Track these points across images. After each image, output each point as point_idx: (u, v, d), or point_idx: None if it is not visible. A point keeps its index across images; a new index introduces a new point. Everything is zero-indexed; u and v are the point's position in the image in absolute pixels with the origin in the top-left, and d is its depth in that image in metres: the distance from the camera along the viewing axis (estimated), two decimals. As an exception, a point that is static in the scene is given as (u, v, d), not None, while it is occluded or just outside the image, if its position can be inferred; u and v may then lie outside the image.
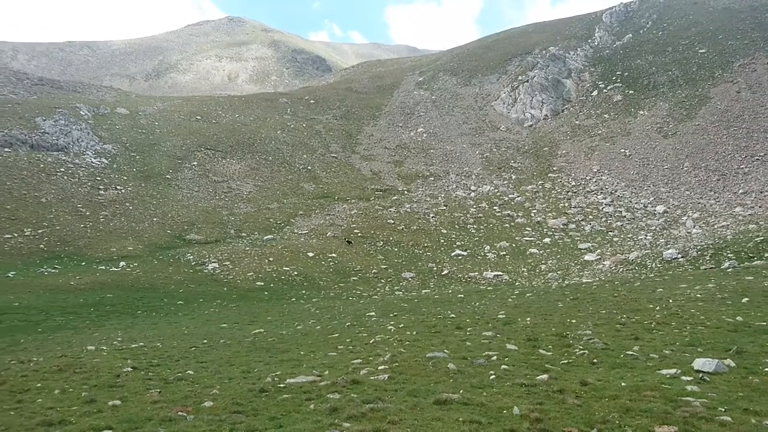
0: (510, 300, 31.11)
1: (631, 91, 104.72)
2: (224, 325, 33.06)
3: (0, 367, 17.60)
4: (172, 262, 60.67)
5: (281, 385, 13.64)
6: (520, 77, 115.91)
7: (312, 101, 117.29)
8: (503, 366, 14.28)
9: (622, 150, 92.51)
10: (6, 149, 71.90)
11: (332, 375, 14.49)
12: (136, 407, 12.48)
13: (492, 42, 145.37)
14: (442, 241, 72.55)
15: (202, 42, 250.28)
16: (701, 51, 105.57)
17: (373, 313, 32.52)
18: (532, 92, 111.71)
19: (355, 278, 60.57)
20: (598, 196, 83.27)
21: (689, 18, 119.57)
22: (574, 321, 20.61)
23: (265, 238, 70.82)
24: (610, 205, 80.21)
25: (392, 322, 25.37)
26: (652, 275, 41.62)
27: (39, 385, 15.07)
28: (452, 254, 68.44)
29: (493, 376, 13.31)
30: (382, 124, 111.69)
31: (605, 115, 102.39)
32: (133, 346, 22.28)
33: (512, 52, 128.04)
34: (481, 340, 18.31)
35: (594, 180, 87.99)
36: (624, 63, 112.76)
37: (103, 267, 57.09)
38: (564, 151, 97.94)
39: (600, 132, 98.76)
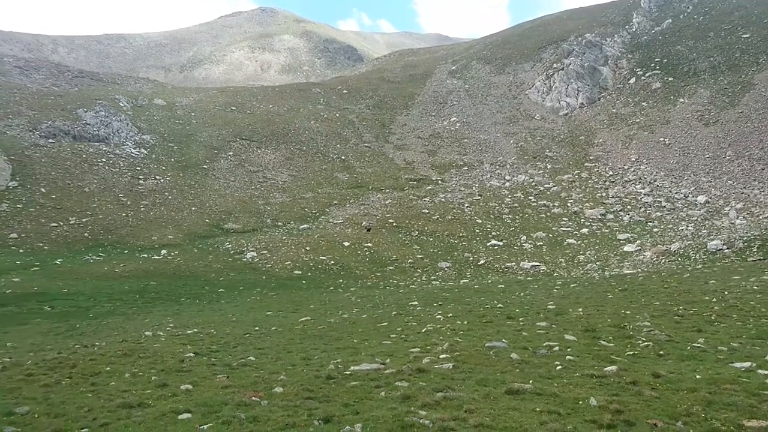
0: (555, 291, 30.87)
1: (670, 78, 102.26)
2: (269, 312, 33.50)
3: (67, 351, 18.15)
4: (211, 250, 61.66)
5: (347, 373, 13.80)
6: (555, 65, 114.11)
7: (344, 91, 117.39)
8: (568, 357, 14.21)
9: (662, 139, 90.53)
10: (50, 140, 73.65)
11: (395, 363, 14.59)
12: (209, 391, 12.76)
13: (526, 29, 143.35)
14: (477, 231, 72.16)
15: (234, 33, 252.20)
16: (745, 36, 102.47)
17: (416, 303, 32.60)
18: (568, 80, 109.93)
19: (391, 268, 60.71)
20: (637, 186, 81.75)
21: (732, 2, 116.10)
22: (628, 312, 20.37)
23: (301, 227, 71.42)
24: (649, 195, 78.72)
25: (439, 312, 25.40)
26: (700, 266, 40.83)
27: (108, 368, 15.51)
28: (488, 244, 68.03)
29: (559, 367, 13.26)
30: (414, 114, 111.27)
31: (643, 103, 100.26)
32: (189, 332, 22.76)
33: (547, 39, 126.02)
34: (537, 330, 18.23)
35: (632, 169, 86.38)
36: (663, 49, 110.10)
37: (146, 255, 58.26)
38: (601, 140, 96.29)
39: (638, 120, 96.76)
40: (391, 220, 73.76)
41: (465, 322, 21.37)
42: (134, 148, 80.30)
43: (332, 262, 60.64)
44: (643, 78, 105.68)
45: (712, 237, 59.47)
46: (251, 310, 35.18)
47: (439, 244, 68.25)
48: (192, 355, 17.17)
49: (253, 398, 11.89)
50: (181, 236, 65.20)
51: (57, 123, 75.89)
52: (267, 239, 65.73)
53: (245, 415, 10.56)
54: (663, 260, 54.29)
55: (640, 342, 15.34)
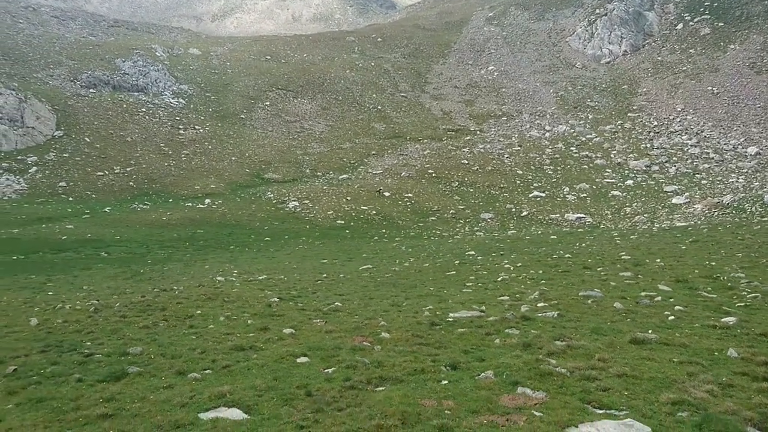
0: (618, 242, 30.30)
1: (720, 24, 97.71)
2: (324, 261, 33.60)
3: (150, 294, 18.36)
4: (253, 200, 62.00)
5: (449, 319, 13.65)
6: (597, 10, 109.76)
7: (379, 39, 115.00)
8: (677, 307, 13.84)
9: (710, 87, 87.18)
10: (91, 90, 73.90)
11: (492, 311, 14.40)
12: (314, 336, 12.73)
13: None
14: (518, 182, 71.16)
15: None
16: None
17: (472, 252, 32.36)
18: (611, 26, 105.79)
19: (433, 218, 60.43)
20: (683, 137, 79.34)
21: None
22: (713, 264, 19.83)
23: (341, 177, 71.21)
24: (696, 147, 76.43)
25: (505, 262, 25.12)
26: (757, 219, 39.66)
27: (199, 312, 15.62)
28: (530, 195, 67.14)
29: (672, 317, 12.91)
30: (451, 63, 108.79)
31: (691, 50, 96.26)
32: (260, 278, 22.89)
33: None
34: (625, 280, 17.85)
35: (678, 120, 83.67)
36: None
37: (190, 204, 58.83)
38: (645, 89, 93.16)
39: (685, 68, 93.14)
40: (430, 171, 73.08)
41: (540, 272, 21.05)
42: (172, 98, 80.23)
43: (374, 212, 60.54)
44: (691, 23, 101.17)
45: (766, 189, 57.74)
46: (305, 258, 35.32)
47: (479, 195, 67.57)
48: (277, 299, 17.19)
49: (364, 343, 11.81)
50: (223, 186, 65.55)
51: (97, 73, 75.98)
52: (308, 189, 65.76)
53: (368, 360, 10.45)
54: (716, 213, 52.97)
55: (745, 294, 14.88)
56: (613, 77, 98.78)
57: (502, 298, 16.25)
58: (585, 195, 66.45)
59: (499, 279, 20.18)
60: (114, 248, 41.10)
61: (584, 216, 59.99)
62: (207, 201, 59.63)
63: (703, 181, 66.32)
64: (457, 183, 70.43)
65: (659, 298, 14.90)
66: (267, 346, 12.03)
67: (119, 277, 26.54)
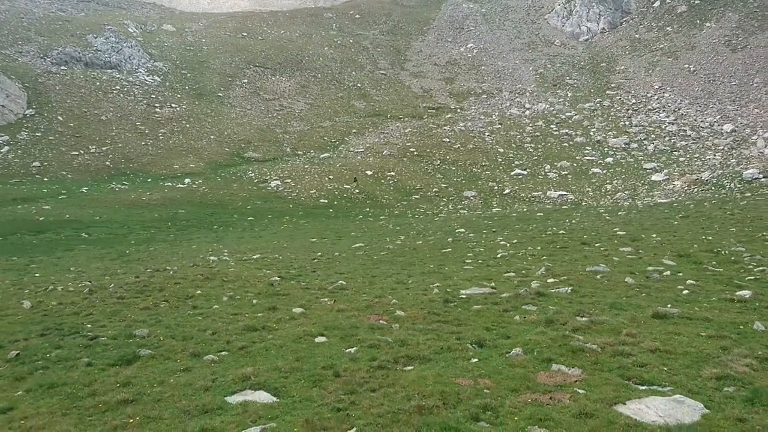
0: (608, 218, 30.39)
1: (697, 1, 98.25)
2: (313, 239, 33.14)
3: (144, 275, 17.78)
4: (234, 179, 60.99)
5: (462, 297, 13.42)
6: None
7: (357, 16, 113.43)
8: (688, 281, 13.78)
9: (686, 65, 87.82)
10: (62, 67, 71.57)
11: (503, 288, 14.19)
12: (326, 315, 12.38)
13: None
14: (499, 160, 71.18)
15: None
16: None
17: (462, 230, 32.19)
18: (589, 4, 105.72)
19: (416, 196, 60.19)
20: (661, 115, 79.94)
21: None
22: (710, 238, 19.91)
23: (322, 156, 70.44)
24: (673, 124, 77.11)
25: (500, 239, 24.97)
26: (749, 194, 40.14)
27: (199, 292, 15.15)
28: (512, 173, 67.24)
29: (686, 292, 12.84)
30: (430, 40, 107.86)
31: (668, 28, 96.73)
32: (255, 257, 22.40)
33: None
34: (627, 255, 17.80)
35: (656, 97, 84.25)
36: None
37: (170, 183, 57.65)
38: (623, 67, 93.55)
39: (662, 46, 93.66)
40: (412, 149, 72.66)
41: (539, 248, 20.93)
42: (147, 76, 78.21)
43: (357, 190, 60.05)
44: (668, 1, 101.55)
45: (743, 166, 58.61)
46: (293, 238, 34.81)
47: (462, 173, 67.45)
48: (278, 279, 16.78)
49: (381, 321, 11.51)
50: (203, 165, 64.37)
51: (68, 49, 73.56)
52: (289, 168, 64.92)
53: (391, 339, 10.15)
54: (695, 189, 53.63)
55: (752, 267, 14.90)
56: (591, 55, 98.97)
57: (507, 274, 16.06)
58: (566, 173, 66.76)
59: (498, 256, 20.00)
60: (94, 229, 40.07)
61: (566, 193, 60.29)
62: (187, 180, 58.52)
63: (681, 158, 67.06)
64: (439, 161, 70.18)
65: (668, 272, 14.85)
66: (280, 326, 11.65)
67: (105, 257, 25.79)
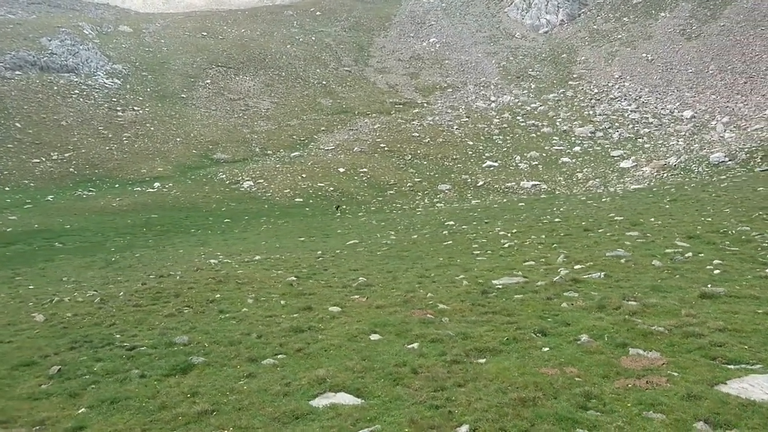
0: (595, 205, 30.78)
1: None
2: (302, 239, 32.65)
3: (151, 281, 17.09)
4: (205, 181, 59.78)
5: (498, 286, 13.28)
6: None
7: (318, 13, 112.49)
8: (715, 261, 13.95)
9: (644, 54, 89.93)
10: (16, 72, 68.79)
11: (533, 276, 14.12)
12: (366, 312, 12.06)
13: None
14: (470, 152, 71.60)
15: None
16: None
17: (452, 222, 32.18)
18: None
19: (391, 192, 60.09)
20: (623, 103, 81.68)
21: None
22: (710, 219, 20.30)
23: (292, 155, 69.62)
24: (635, 112, 78.85)
25: (498, 229, 25.00)
26: (724, 177, 41.22)
27: (218, 296, 14.62)
28: (483, 165, 67.72)
29: (717, 272, 13.00)
30: (392, 35, 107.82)
31: (624, 19, 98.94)
32: (257, 258, 21.82)
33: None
34: (637, 239, 17.99)
35: (617, 86, 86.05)
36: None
37: (139, 188, 56.10)
38: (583, 58, 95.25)
39: (620, 36, 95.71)
40: (382, 145, 72.49)
41: (543, 236, 21.01)
42: (107, 79, 75.88)
43: (331, 188, 59.62)
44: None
45: (706, 150, 60.32)
46: (279, 238, 34.23)
47: (434, 167, 67.60)
48: (294, 278, 16.34)
49: (428, 316, 11.27)
50: (171, 168, 62.86)
51: (21, 53, 70.74)
52: (261, 168, 63.98)
53: (452, 332, 9.92)
54: (665, 174, 54.93)
55: (767, 245, 15.18)
56: (552, 46, 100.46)
57: (527, 263, 16.02)
58: (536, 163, 67.60)
59: (505, 246, 19.98)
60: (67, 238, 38.64)
61: (539, 183, 61.05)
62: (156, 185, 57.02)
63: (646, 145, 68.63)
64: (410, 156, 70.20)
65: (689, 254, 15.04)
66: (325, 325, 11.29)
67: (93, 266, 24.79)
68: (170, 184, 57.32)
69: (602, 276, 13.15)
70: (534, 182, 61.05)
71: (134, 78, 79.35)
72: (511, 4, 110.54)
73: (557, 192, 57.16)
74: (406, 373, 8.27)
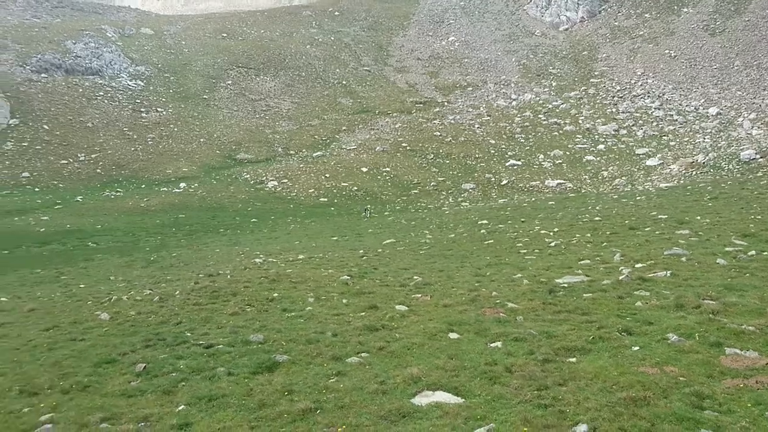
0: (631, 203, 30.49)
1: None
2: (334, 238, 32.68)
3: (202, 280, 17.15)
4: (230, 181, 60.06)
5: (563, 285, 13.18)
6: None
7: (336, 13, 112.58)
8: (783, 258, 13.77)
9: (667, 51, 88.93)
10: (42, 75, 69.57)
11: (595, 275, 13.99)
12: (436, 311, 12.02)
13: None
14: (492, 151, 71.23)
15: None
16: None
17: (485, 221, 32.03)
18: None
19: (415, 191, 59.98)
20: (646, 100, 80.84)
21: None
22: (759, 217, 20.02)
23: (315, 154, 69.72)
24: (659, 109, 77.98)
25: (537, 228, 24.85)
26: (763, 174, 40.66)
27: (276, 294, 14.64)
28: (506, 164, 67.33)
29: (788, 267, 12.80)
30: (411, 34, 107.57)
31: (646, 15, 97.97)
32: (301, 257, 21.87)
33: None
34: (690, 238, 17.78)
35: (639, 84, 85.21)
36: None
37: (165, 189, 56.50)
38: (604, 55, 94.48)
39: (642, 33, 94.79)
40: (404, 144, 72.37)
41: (587, 235, 20.83)
42: (130, 80, 76.53)
43: (355, 188, 59.65)
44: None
45: (735, 147, 59.58)
46: (312, 237, 34.29)
47: (456, 166, 67.35)
48: (348, 277, 16.33)
49: (500, 314, 11.19)
50: (196, 168, 63.23)
51: (47, 56, 71.54)
52: (284, 168, 64.18)
53: (535, 331, 9.85)
54: (693, 172, 54.32)
55: (832, 242, 14.96)
56: (572, 44, 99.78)
57: (583, 262, 15.88)
58: (560, 161, 67.13)
59: (552, 245, 19.83)
60: (99, 238, 39.03)
61: (564, 182, 60.59)
62: (182, 185, 57.38)
63: (672, 143, 67.84)
64: (432, 155, 69.99)
65: (752, 252, 14.82)
66: (397, 324, 11.25)
67: (134, 265, 24.99)
68: (196, 185, 57.67)
69: (668, 275, 12.99)
70: (559, 181, 60.61)
71: (157, 79, 79.94)
72: (531, 1, 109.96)
73: (583, 191, 56.73)
74: (501, 372, 8.20)
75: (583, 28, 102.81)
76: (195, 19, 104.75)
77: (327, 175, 62.15)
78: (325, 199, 56.33)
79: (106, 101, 70.99)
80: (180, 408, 7.89)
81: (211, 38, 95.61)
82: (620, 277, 13.08)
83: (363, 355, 9.52)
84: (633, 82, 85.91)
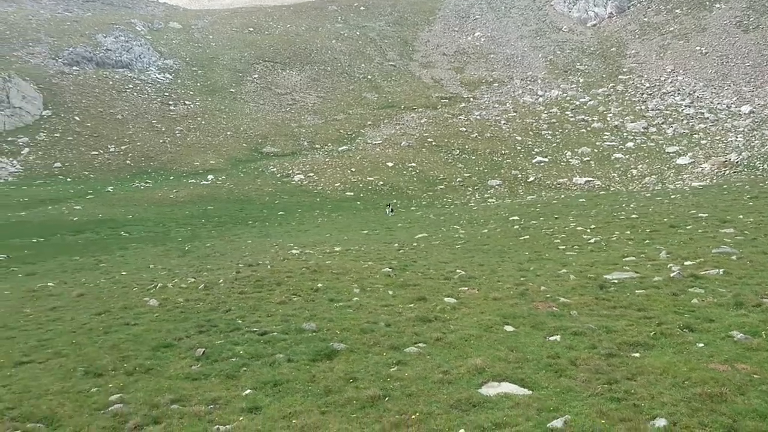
0: (666, 201, 30.06)
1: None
2: (365, 231, 32.74)
3: (243, 270, 17.27)
4: (257, 174, 60.44)
5: (613, 281, 13.03)
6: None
7: (362, 8, 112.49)
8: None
9: (698, 47, 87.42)
10: (74, 67, 70.61)
11: (644, 272, 13.81)
12: (486, 304, 11.95)
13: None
14: (518, 148, 70.69)
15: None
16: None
17: (516, 217, 31.82)
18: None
19: (441, 187, 59.80)
20: (676, 98, 79.54)
21: None
22: (806, 215, 19.61)
23: (340, 149, 69.84)
24: (690, 107, 76.70)
25: (573, 224, 24.60)
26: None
27: (320, 285, 14.69)
28: (533, 161, 66.78)
29: None
30: (437, 30, 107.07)
31: (677, 11, 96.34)
32: (337, 249, 21.93)
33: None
34: (735, 236, 17.48)
35: (669, 81, 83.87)
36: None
37: (193, 180, 57.04)
38: (633, 51, 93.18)
39: (672, 29, 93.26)
40: (429, 140, 72.16)
41: (627, 232, 20.59)
42: (159, 74, 77.33)
43: (381, 182, 59.66)
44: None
45: (766, 147, 58.50)
46: (341, 230, 34.39)
47: (482, 162, 66.99)
48: (389, 269, 16.33)
49: (553, 309, 11.11)
50: (223, 161, 63.72)
51: (78, 49, 72.61)
52: (310, 162, 64.39)
53: (594, 326, 9.75)
54: (726, 171, 53.42)
55: None
56: (600, 40, 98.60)
57: (628, 259, 15.69)
58: (588, 158, 66.42)
59: (591, 241, 19.63)
60: (131, 228, 39.55)
61: (592, 179, 59.97)
62: (210, 177, 57.87)
63: (703, 141, 66.73)
64: (458, 151, 69.70)
65: (808, 251, 14.55)
66: (449, 315, 11.23)
67: (170, 255, 25.29)
68: (223, 177, 58.13)
69: (721, 273, 12.78)
70: (587, 178, 60.01)
71: (185, 73, 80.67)
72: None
73: (612, 188, 56.10)
74: (565, 365, 8.13)
75: (611, 24, 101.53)
76: (222, 14, 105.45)
77: (353, 170, 62.25)
78: (352, 193, 56.42)
79: (135, 94, 71.82)
80: (246, 392, 7.96)
81: (238, 32, 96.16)
82: (671, 275, 12.89)
83: (420, 345, 9.51)
84: (663, 79, 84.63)
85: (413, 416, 6.73)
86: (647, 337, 9.02)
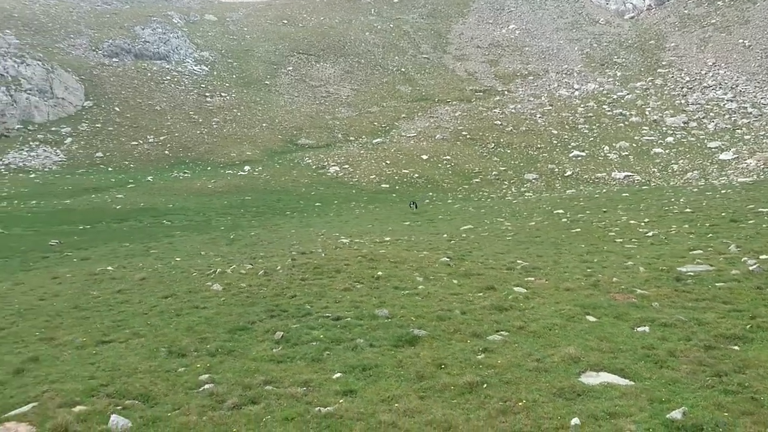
0: (716, 196, 29.28)
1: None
2: (406, 223, 32.59)
3: (298, 258, 17.22)
4: (292, 165, 60.70)
5: (690, 274, 12.66)
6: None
7: (395, 0, 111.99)
8: None
9: (741, 40, 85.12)
10: (114, 59, 71.69)
11: (720, 265, 13.40)
12: (558, 295, 11.72)
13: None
14: (554, 141, 69.74)
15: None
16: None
17: (560, 211, 31.37)
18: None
19: (477, 180, 59.34)
20: (718, 92, 77.59)
21: None
22: None
23: (374, 141, 69.69)
24: (732, 101, 74.74)
25: (625, 218, 24.09)
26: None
27: (380, 273, 14.57)
28: (570, 155, 65.83)
29: None
30: (471, 22, 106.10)
31: (719, 2, 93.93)
32: (387, 239, 21.82)
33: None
34: (805, 229, 16.89)
35: (710, 74, 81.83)
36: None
37: (231, 171, 57.49)
38: (673, 44, 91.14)
39: (713, 21, 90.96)
40: (464, 133, 71.66)
41: (685, 226, 20.08)
42: (195, 65, 78.09)
43: (416, 175, 59.44)
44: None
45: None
46: (382, 222, 34.28)
47: (518, 155, 66.29)
48: (447, 259, 16.14)
49: (632, 300, 10.82)
50: (259, 152, 64.12)
51: (118, 41, 73.70)
52: (345, 154, 64.43)
53: (684, 318, 9.45)
54: (773, 167, 51.99)
55: None
56: (638, 33, 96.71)
57: (695, 252, 15.25)
58: (626, 153, 65.23)
59: (649, 234, 19.18)
60: (172, 216, 40.00)
61: (632, 174, 58.87)
62: (247, 168, 58.29)
63: (746, 136, 65.02)
64: (493, 144, 69.07)
65: None
66: (525, 305, 11.01)
67: (217, 242, 25.49)
68: (259, 168, 58.50)
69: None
70: (626, 173, 58.94)
71: (221, 65, 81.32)
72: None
73: (653, 183, 55.02)
74: (663, 356, 7.85)
75: (650, 16, 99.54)
76: (256, 6, 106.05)
77: (387, 162, 62.11)
78: (387, 186, 56.31)
79: (172, 85, 72.64)
80: (337, 375, 7.85)
81: (272, 25, 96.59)
82: (750, 268, 12.47)
83: (503, 333, 9.30)
84: (703, 72, 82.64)
85: (519, 403, 6.54)
86: (743, 330, 8.69)
